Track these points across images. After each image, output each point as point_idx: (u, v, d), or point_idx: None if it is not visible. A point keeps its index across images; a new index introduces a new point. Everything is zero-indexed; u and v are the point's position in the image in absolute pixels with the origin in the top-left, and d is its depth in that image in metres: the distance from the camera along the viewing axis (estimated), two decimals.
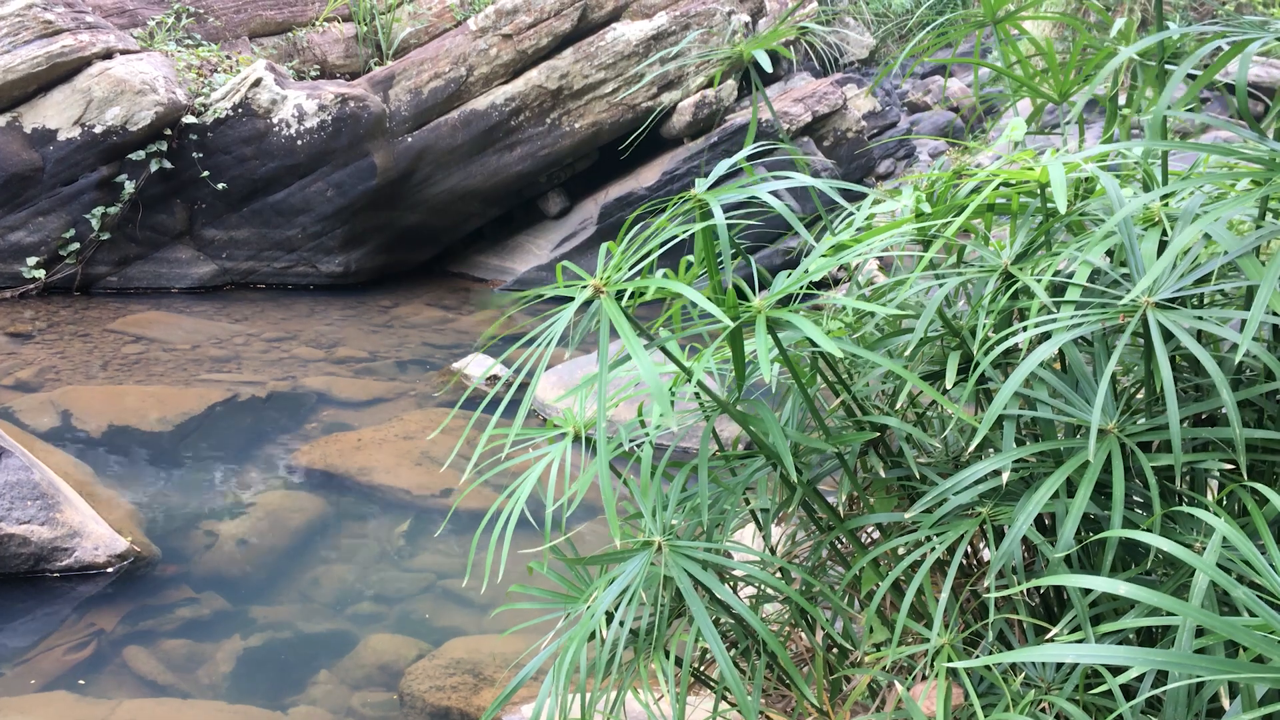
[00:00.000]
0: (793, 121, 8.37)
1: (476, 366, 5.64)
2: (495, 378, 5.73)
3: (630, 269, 1.37)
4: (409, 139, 7.57)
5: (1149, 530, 1.17)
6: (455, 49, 7.70)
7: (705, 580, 1.38)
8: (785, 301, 1.54)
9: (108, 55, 6.93)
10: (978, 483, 1.42)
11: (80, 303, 7.01)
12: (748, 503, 1.84)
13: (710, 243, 1.52)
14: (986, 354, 1.38)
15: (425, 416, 5.52)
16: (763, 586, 1.74)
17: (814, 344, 1.35)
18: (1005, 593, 1.26)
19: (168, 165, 6.94)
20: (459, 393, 5.58)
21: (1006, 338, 1.32)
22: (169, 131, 6.94)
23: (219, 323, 6.87)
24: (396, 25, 9.26)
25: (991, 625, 1.40)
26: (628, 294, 1.61)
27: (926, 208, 1.46)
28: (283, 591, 4.05)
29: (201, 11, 7.97)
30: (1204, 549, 1.29)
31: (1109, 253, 1.54)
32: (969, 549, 1.73)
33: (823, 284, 6.06)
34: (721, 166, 1.50)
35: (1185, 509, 1.09)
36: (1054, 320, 1.31)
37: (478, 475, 1.81)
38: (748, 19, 8.50)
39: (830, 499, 2.13)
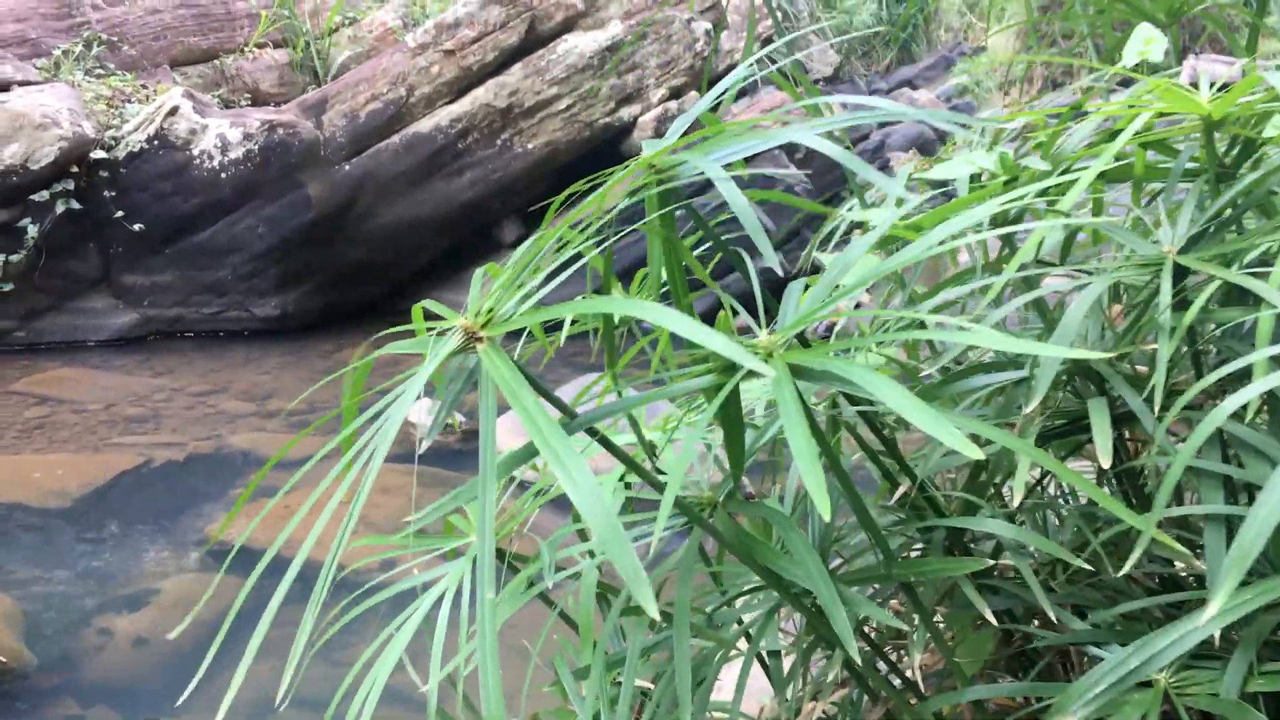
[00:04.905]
0: None
1: (421, 414, 4.98)
2: (450, 427, 5.11)
3: (523, 297, 0.75)
4: (347, 167, 6.94)
5: None
6: (393, 68, 7.09)
7: None
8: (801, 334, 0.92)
9: (5, 88, 6.27)
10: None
11: None
12: (748, 637, 1.22)
13: (673, 241, 0.90)
14: (1176, 406, 0.78)
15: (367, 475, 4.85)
16: None
17: (871, 402, 0.73)
18: None
19: (76, 206, 6.27)
20: (408, 446, 4.94)
21: (1232, 383, 0.71)
22: (76, 169, 6.27)
23: (139, 377, 6.18)
24: (335, 50, 8.64)
25: None
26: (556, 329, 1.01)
27: (1040, 162, 0.85)
28: (189, 700, 3.37)
29: (115, 39, 7.32)
30: None
31: None
32: None
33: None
34: (690, 113, 0.89)
35: None
36: None
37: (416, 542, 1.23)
38: (708, 27, 7.97)
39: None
